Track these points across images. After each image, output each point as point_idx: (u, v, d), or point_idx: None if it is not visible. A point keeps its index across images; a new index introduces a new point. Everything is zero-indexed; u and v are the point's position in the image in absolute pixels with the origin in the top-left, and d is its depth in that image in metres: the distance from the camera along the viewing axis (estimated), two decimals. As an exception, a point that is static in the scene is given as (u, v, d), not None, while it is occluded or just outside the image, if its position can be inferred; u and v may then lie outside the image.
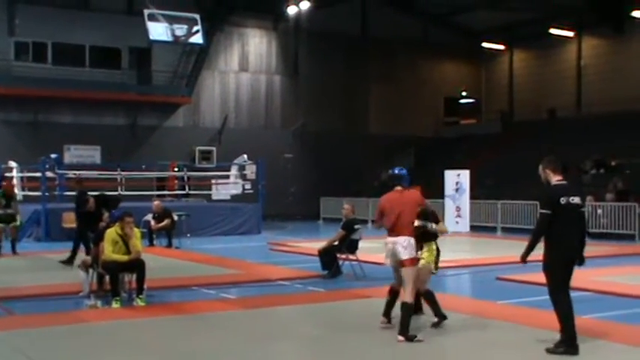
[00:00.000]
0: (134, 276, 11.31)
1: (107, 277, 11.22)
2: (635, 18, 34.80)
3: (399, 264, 8.79)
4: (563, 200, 8.01)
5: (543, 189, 8.35)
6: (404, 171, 9.29)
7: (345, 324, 9.73)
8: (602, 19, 36.82)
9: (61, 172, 25.32)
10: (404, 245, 8.70)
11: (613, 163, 29.76)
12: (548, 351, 8.03)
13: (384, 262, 9.11)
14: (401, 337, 8.44)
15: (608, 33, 37.28)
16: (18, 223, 18.19)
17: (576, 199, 8.19)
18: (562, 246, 8.09)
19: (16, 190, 21.70)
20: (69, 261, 15.44)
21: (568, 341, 8.00)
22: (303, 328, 9.72)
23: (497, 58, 44.11)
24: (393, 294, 9.21)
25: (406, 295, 8.65)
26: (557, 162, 8.44)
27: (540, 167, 8.47)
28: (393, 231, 8.83)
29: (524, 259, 8.38)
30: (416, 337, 8.51)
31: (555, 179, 8.26)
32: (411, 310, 8.70)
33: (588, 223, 24.58)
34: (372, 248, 17.98)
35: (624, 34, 36.60)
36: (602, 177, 28.89)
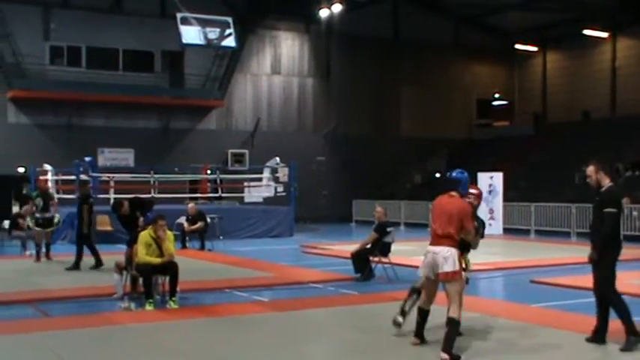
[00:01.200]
0: (167, 278, 11.37)
1: (140, 280, 11.29)
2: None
3: (437, 277, 8.10)
4: (623, 201, 8.17)
5: (611, 189, 8.46)
6: (464, 175, 8.61)
7: (377, 327, 9.68)
8: (636, 20, 36.36)
9: (95, 174, 25.54)
10: (445, 256, 7.99)
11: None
12: (623, 350, 8.18)
13: (418, 272, 8.42)
14: (445, 356, 7.68)
15: (643, 33, 36.84)
16: (55, 224, 17.71)
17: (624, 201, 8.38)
18: (619, 245, 8.52)
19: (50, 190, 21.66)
20: (75, 266, 15.65)
21: (637, 335, 8.22)
22: (336, 331, 9.70)
23: (530, 60, 43.75)
24: (423, 314, 8.50)
25: (453, 310, 7.93)
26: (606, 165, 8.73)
27: (592, 169, 8.56)
28: (435, 239, 8.18)
29: (592, 259, 8.48)
30: (460, 357, 7.82)
31: (607, 181, 8.48)
32: (459, 327, 8.01)
33: (624, 226, 24.35)
34: (405, 251, 17.95)
35: (660, 34, 36.15)
36: (637, 179, 28.53)
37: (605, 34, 38.43)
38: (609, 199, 8.40)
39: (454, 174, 8.63)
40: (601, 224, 8.37)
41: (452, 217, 8.11)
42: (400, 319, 8.88)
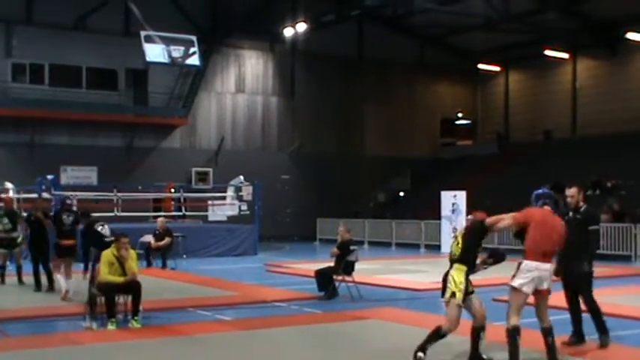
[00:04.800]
0: (130, 297, 11.27)
1: (103, 299, 11.17)
2: (628, 40, 34.95)
3: (540, 293, 8.05)
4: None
5: (590, 209, 9.47)
6: (550, 192, 8.59)
7: (341, 346, 9.68)
8: (597, 41, 37.04)
9: (57, 193, 25.25)
10: (551, 273, 8.11)
11: (608, 185, 29.80)
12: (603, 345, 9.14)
13: (519, 287, 7.97)
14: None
15: (603, 55, 37.47)
16: (18, 244, 16.42)
17: None
18: (594, 258, 9.45)
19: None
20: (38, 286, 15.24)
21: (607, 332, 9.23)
22: (300, 350, 9.67)
23: (493, 80, 44.29)
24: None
25: (548, 321, 8.17)
26: None
27: (575, 190, 9.39)
28: (540, 255, 7.99)
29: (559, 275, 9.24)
30: None
31: (582, 202, 9.40)
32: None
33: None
34: (369, 269, 18.00)
35: (618, 55, 36.76)
36: (598, 198, 28.91)
37: (565, 55, 39.05)
38: (592, 217, 9.38)
39: (544, 190, 8.56)
40: (583, 241, 9.13)
41: (560, 234, 8.19)
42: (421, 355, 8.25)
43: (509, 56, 41.58)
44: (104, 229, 13.55)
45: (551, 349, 8.08)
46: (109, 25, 33.84)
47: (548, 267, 8.01)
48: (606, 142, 33.50)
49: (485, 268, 8.52)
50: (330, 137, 39.70)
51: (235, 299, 14.40)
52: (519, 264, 8.08)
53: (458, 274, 8.11)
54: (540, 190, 8.48)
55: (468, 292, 8.14)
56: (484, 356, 8.35)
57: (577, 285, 9.41)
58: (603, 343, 9.23)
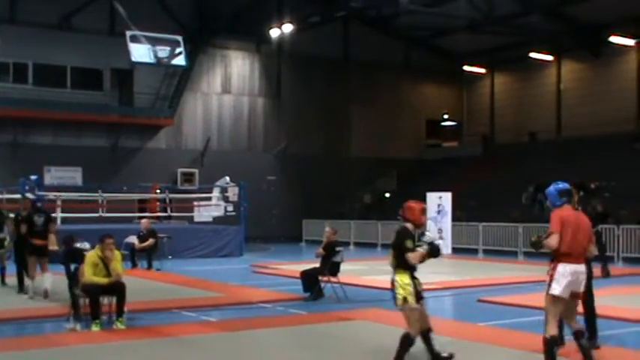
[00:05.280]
0: (114, 299, 11.22)
1: (87, 300, 11.12)
2: (611, 43, 35.21)
3: (574, 297, 7.84)
4: None
5: (586, 211, 8.98)
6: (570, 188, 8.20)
7: (326, 346, 9.68)
8: (580, 44, 37.24)
9: (41, 193, 25.13)
10: (586, 274, 7.93)
11: (592, 186, 29.86)
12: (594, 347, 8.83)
13: (551, 292, 7.75)
14: None
15: (586, 57, 37.65)
16: (5, 245, 16.12)
17: None
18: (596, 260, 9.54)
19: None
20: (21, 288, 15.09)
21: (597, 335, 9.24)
22: (285, 351, 9.67)
23: (479, 81, 44.43)
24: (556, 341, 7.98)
25: (575, 324, 7.97)
26: None
27: (574, 191, 8.87)
28: (574, 257, 7.74)
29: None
30: None
31: (578, 204, 9.19)
32: None
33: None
34: (354, 270, 18.01)
35: (602, 58, 36.98)
36: (582, 200, 29.03)
37: (550, 58, 39.23)
38: (597, 218, 8.96)
39: (564, 185, 8.11)
40: None
41: (588, 233, 7.96)
42: None
43: (495, 58, 41.72)
44: (83, 244, 13.30)
45: (586, 352, 7.81)
46: (94, 24, 33.68)
47: (583, 269, 7.84)
48: (590, 144, 33.69)
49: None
50: (316, 138, 39.69)
51: (221, 300, 14.37)
52: (552, 269, 7.78)
53: (401, 277, 8.08)
54: (560, 185, 8.06)
55: (419, 293, 8.09)
56: (444, 354, 8.31)
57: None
58: (594, 346, 9.25)
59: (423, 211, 8.46)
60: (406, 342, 8.01)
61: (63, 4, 32.73)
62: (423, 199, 28.26)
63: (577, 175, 30.57)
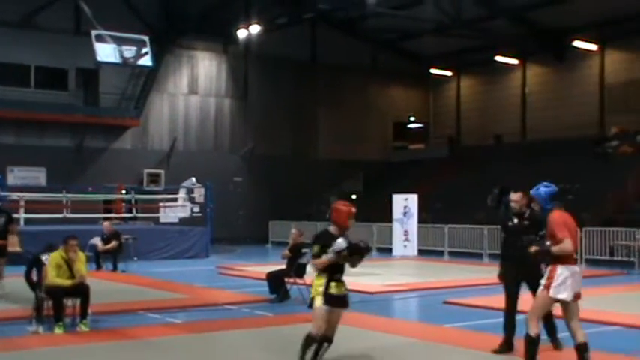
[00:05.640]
0: (78, 300, 11.11)
1: (50, 302, 11.00)
2: (575, 47, 35.69)
3: (576, 297, 7.84)
4: None
5: (536, 214, 9.11)
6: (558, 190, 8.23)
7: (292, 349, 9.66)
8: (545, 48, 37.64)
9: (4, 194, 24.83)
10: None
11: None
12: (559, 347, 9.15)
13: (558, 296, 7.76)
14: None
15: (551, 61, 38.08)
16: None
17: None
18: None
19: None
20: None
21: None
22: (250, 353, 9.65)
23: (445, 84, 44.71)
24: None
25: (580, 331, 7.91)
26: None
27: (520, 195, 9.21)
28: (572, 258, 7.85)
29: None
30: None
31: (525, 208, 9.34)
32: None
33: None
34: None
35: (565, 62, 37.43)
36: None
37: (515, 61, 39.61)
38: (540, 222, 8.82)
39: (552, 188, 8.13)
40: (521, 245, 8.61)
41: (576, 233, 8.07)
42: None
43: (461, 61, 42.04)
44: (46, 258, 12.84)
45: None
46: (58, 23, 33.31)
47: (578, 269, 7.90)
48: (555, 147, 34.04)
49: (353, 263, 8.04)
50: (282, 140, 39.67)
51: (186, 302, 14.32)
52: (551, 271, 7.79)
53: (318, 279, 7.94)
54: (551, 188, 8.11)
55: (334, 297, 7.86)
56: None
57: (534, 288, 9.15)
58: (559, 345, 9.34)
59: (351, 214, 8.10)
60: (307, 341, 7.90)
61: (26, 3, 32.32)
62: (390, 202, 28.47)
63: (542, 177, 31.02)
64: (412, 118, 45.00)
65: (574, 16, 33.66)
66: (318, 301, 7.83)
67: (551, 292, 7.73)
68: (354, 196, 40.05)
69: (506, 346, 9.18)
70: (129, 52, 28.47)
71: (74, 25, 33.61)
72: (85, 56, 30.57)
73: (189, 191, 29.17)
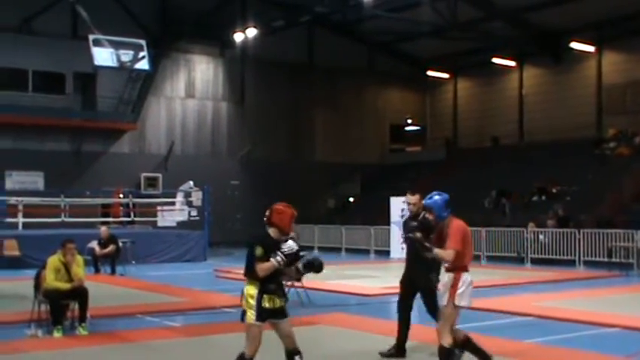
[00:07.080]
0: (76, 304, 11.12)
1: (48, 305, 11.01)
2: (572, 49, 35.72)
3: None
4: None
5: (428, 218, 8.82)
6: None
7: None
8: (542, 50, 37.70)
9: (1, 198, 24.85)
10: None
11: (554, 191, 30.34)
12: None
13: (461, 304, 7.74)
14: None
15: (548, 63, 38.12)
16: None
17: None
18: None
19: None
20: None
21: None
22: (249, 356, 9.64)
23: (442, 86, 44.74)
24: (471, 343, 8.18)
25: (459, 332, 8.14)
26: None
27: (417, 197, 9.06)
28: (467, 268, 7.84)
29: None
30: None
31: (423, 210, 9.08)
32: None
33: (531, 249, 25.15)
34: (318, 275, 18.00)
35: (563, 64, 37.46)
36: (544, 204, 29.43)
37: (512, 63, 39.66)
38: (432, 226, 8.47)
39: (443, 196, 8.05)
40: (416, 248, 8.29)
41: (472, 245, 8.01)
42: None
43: (458, 63, 42.08)
44: None
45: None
46: (56, 27, 33.31)
47: (471, 279, 7.82)
48: (552, 149, 34.07)
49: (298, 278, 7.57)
50: (280, 143, 39.69)
51: (184, 305, 14.33)
52: (454, 279, 7.66)
53: (249, 288, 7.23)
54: (445, 196, 8.01)
55: (265, 309, 7.16)
56: None
57: (424, 297, 9.16)
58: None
59: (294, 217, 7.53)
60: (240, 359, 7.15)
61: (24, 7, 32.33)
62: (387, 204, 28.49)
63: (539, 179, 31.10)
64: (409, 121, 45.04)
65: (571, 18, 33.73)
66: (251, 316, 7.09)
67: (456, 300, 7.62)
68: (351, 199, 40.19)
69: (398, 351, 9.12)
70: (126, 56, 28.56)
71: (71, 29, 33.64)
72: (82, 60, 30.62)
73: (187, 195, 29.20)
